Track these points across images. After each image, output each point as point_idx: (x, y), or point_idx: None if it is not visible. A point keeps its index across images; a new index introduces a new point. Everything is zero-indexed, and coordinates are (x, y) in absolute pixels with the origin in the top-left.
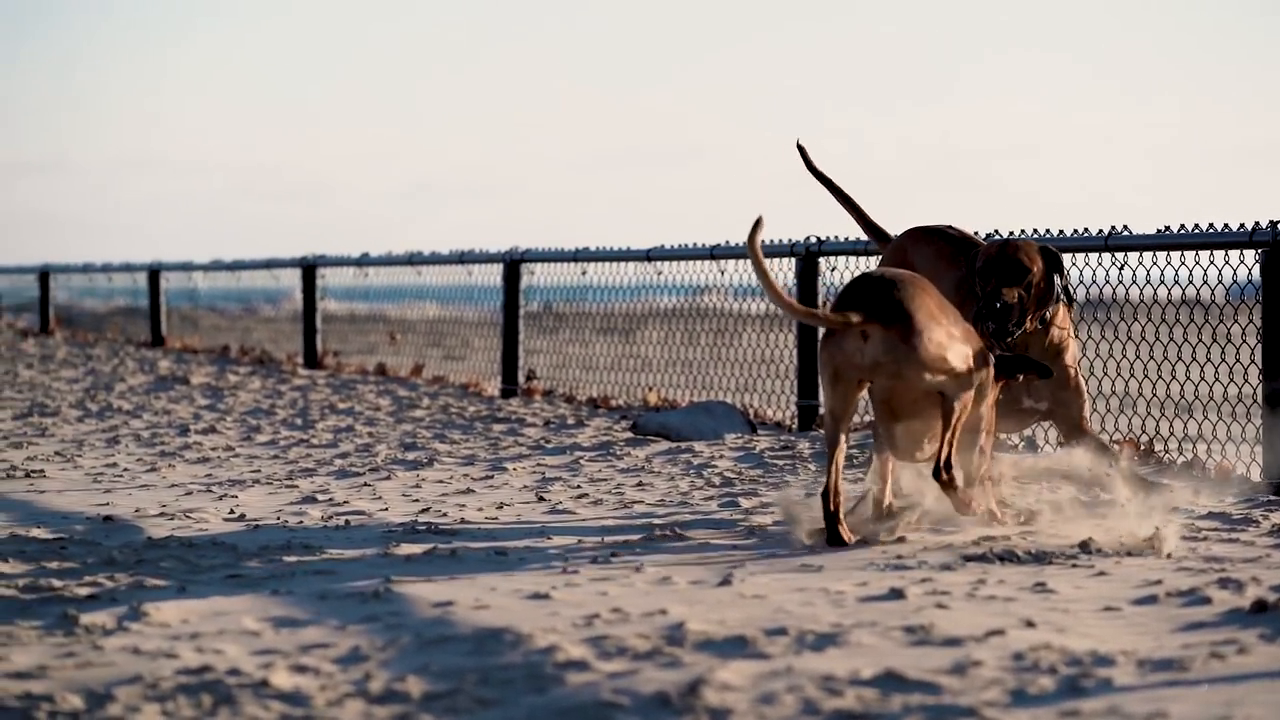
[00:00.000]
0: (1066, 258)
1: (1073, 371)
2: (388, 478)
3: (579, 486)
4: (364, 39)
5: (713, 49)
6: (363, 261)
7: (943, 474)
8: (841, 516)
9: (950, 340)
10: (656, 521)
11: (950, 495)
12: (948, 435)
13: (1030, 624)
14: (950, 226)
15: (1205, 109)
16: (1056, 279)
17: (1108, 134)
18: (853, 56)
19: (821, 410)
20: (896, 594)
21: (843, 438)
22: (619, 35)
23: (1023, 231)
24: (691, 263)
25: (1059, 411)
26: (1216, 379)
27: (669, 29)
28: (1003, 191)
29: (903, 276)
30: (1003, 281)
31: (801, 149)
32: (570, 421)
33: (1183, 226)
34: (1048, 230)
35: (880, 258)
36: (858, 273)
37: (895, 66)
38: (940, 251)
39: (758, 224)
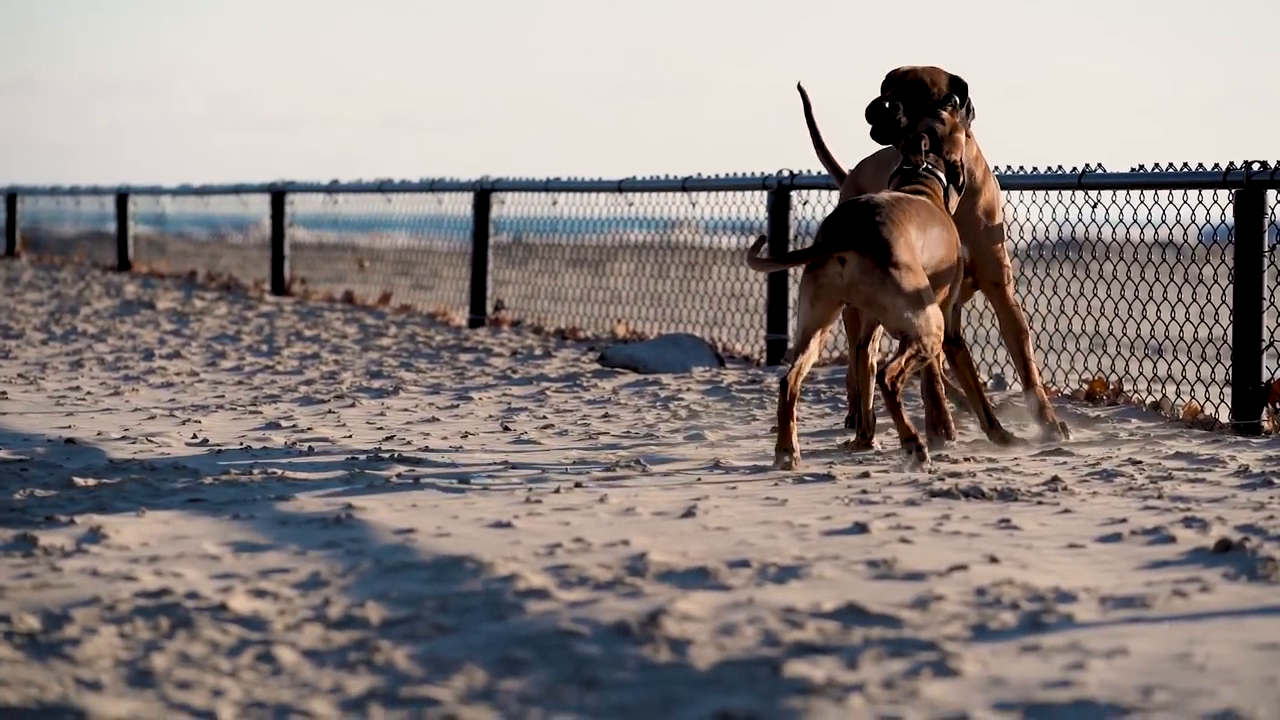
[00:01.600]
0: (1040, 195)
1: (996, 217)
2: (352, 405)
3: (545, 417)
4: None
5: None
6: (332, 189)
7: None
8: (794, 416)
9: (919, 275)
10: (622, 453)
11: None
12: (902, 362)
13: (993, 559)
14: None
15: (1191, 55)
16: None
17: (1093, 78)
18: None
19: (793, 329)
20: (860, 528)
21: (813, 345)
22: None
23: (996, 168)
24: (663, 196)
25: (977, 264)
26: (1188, 320)
27: None
28: (985, 135)
29: (886, 202)
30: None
31: (803, 91)
32: (538, 352)
33: (1156, 166)
34: (1021, 168)
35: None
36: (829, 208)
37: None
38: (880, 164)
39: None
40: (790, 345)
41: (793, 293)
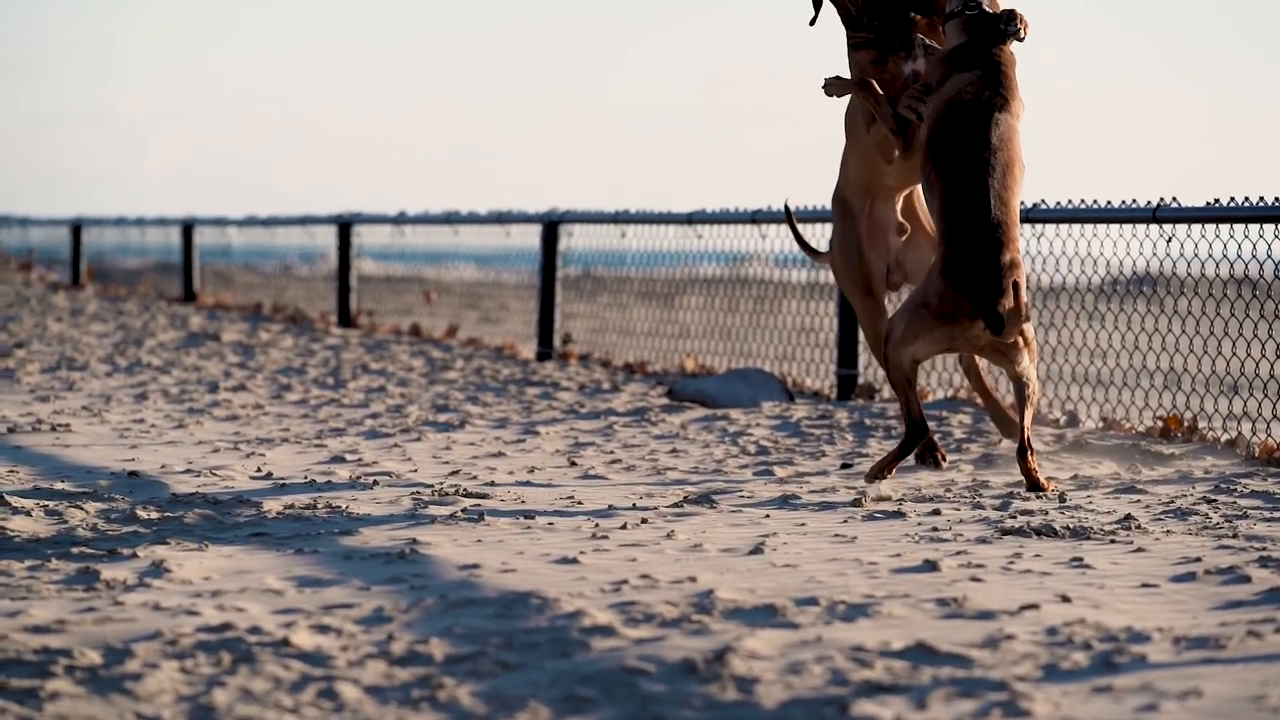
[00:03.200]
0: (1114, 229)
1: None
2: (418, 439)
3: (612, 452)
4: (405, 4)
5: (753, 7)
6: (400, 220)
7: (1029, 454)
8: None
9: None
10: (689, 488)
11: (1029, 471)
12: (1028, 416)
13: (1065, 599)
14: None
15: (1261, 83)
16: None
17: (1163, 107)
18: None
19: (893, 358)
20: (930, 566)
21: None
22: None
23: (1070, 201)
24: (733, 228)
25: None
26: (1264, 356)
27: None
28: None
29: (1019, 258)
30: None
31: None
32: (605, 386)
33: (1232, 200)
34: (1095, 200)
35: None
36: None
37: None
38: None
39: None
40: (890, 376)
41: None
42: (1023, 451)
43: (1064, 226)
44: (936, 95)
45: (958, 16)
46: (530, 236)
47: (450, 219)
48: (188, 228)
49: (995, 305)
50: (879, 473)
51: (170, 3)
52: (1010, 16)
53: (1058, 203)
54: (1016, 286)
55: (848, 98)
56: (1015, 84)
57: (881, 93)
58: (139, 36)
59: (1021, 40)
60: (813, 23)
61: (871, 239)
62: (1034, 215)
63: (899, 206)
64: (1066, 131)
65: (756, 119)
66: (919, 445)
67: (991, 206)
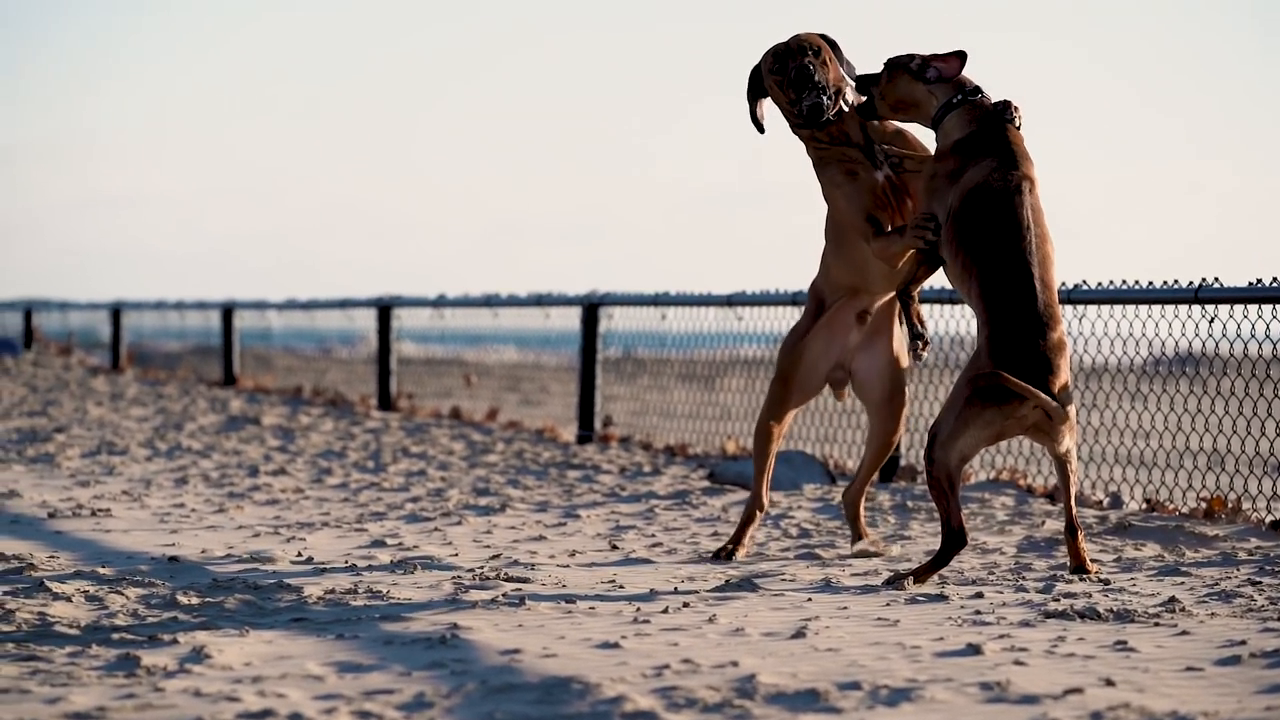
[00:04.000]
0: (1155, 310)
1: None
2: (459, 523)
3: (653, 535)
4: (445, 84)
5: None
6: (439, 303)
7: (1078, 534)
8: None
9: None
10: (731, 572)
11: (1076, 551)
12: (1072, 496)
13: (1110, 683)
14: None
15: None
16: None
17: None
18: None
19: (940, 458)
20: (973, 649)
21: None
22: (696, 78)
23: (1111, 282)
24: (774, 309)
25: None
26: None
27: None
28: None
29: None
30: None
31: None
32: (646, 469)
33: (1275, 279)
34: (1136, 281)
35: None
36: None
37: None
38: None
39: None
40: (934, 477)
41: None
42: (1072, 531)
43: (1105, 307)
44: (957, 185)
45: (958, 108)
46: (570, 318)
47: (490, 301)
48: (227, 311)
49: (1048, 384)
50: (917, 579)
51: (207, 86)
52: (1006, 105)
53: (1099, 283)
54: (1062, 368)
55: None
56: (1032, 164)
57: (886, 224)
58: (177, 120)
59: (1018, 129)
60: (760, 130)
61: (830, 335)
62: (1075, 296)
63: (878, 308)
64: (1103, 211)
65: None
66: (957, 554)
67: (1036, 288)
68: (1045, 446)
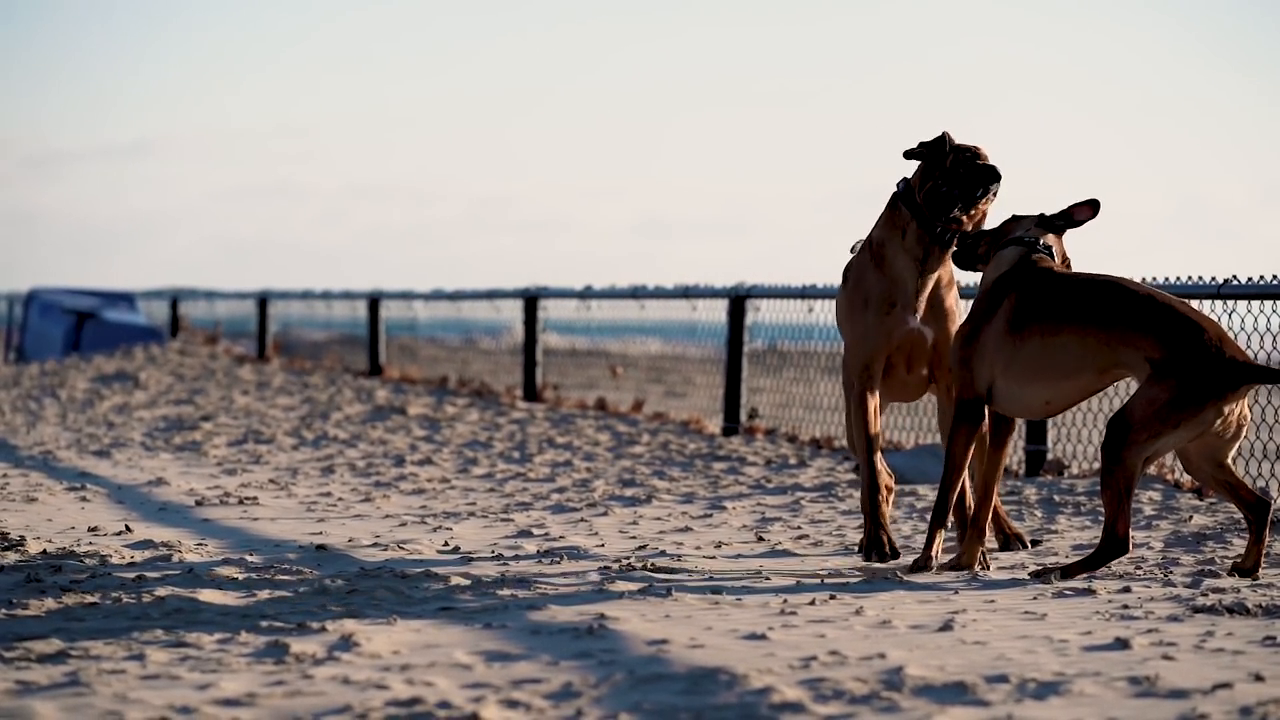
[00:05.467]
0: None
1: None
2: (605, 514)
3: (799, 527)
4: (597, 75)
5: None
6: (585, 294)
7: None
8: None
9: None
10: (877, 564)
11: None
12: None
13: (1259, 678)
14: None
15: None
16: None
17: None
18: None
19: (1129, 460)
20: (1122, 644)
21: None
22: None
23: (1261, 278)
24: None
25: (942, 355)
26: None
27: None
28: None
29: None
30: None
31: None
32: (792, 461)
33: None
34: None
35: None
36: None
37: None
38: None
39: None
40: (1115, 480)
41: None
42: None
43: (1255, 302)
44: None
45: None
46: (717, 311)
47: (636, 293)
48: (374, 301)
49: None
50: (1065, 575)
51: (357, 80)
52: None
53: (1249, 279)
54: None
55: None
56: None
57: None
58: (326, 113)
59: None
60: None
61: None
62: (1226, 291)
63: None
64: (1258, 205)
65: None
66: (1115, 559)
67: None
68: (1220, 448)
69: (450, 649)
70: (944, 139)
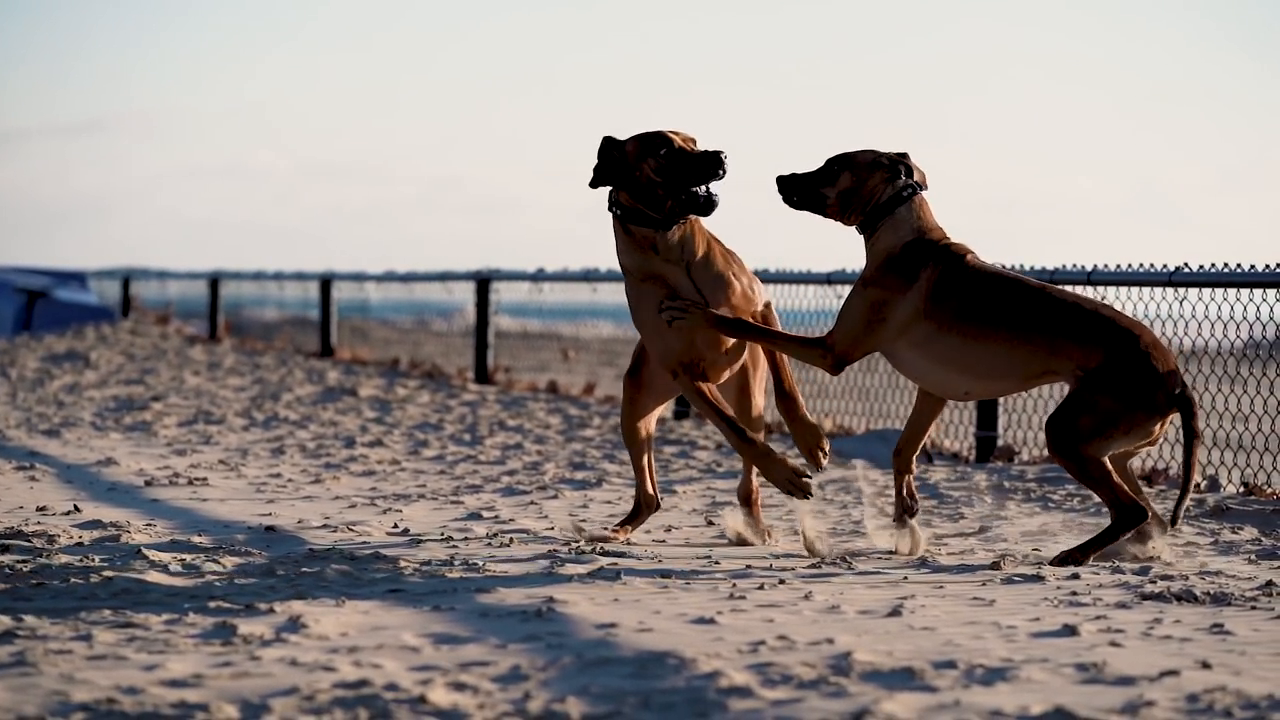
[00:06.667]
0: (1256, 293)
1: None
2: (555, 497)
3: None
4: (550, 58)
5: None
6: (538, 277)
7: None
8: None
9: None
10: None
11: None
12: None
13: (1206, 665)
14: None
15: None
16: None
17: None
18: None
19: (1094, 455)
20: (1069, 630)
21: None
22: (795, 57)
23: (1212, 265)
24: None
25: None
26: None
27: (860, 55)
28: (1201, 227)
29: None
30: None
31: None
32: None
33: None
34: (1237, 265)
35: None
36: None
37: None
38: None
39: None
40: (1090, 470)
41: None
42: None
43: (1205, 290)
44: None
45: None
46: None
47: (589, 276)
48: (326, 282)
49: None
50: (1081, 556)
51: (307, 60)
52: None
53: (1200, 267)
54: None
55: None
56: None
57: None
58: (276, 92)
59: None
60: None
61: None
62: (1177, 279)
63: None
64: (1212, 193)
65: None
66: (1141, 524)
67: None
68: (1125, 456)
69: (398, 631)
70: (655, 137)
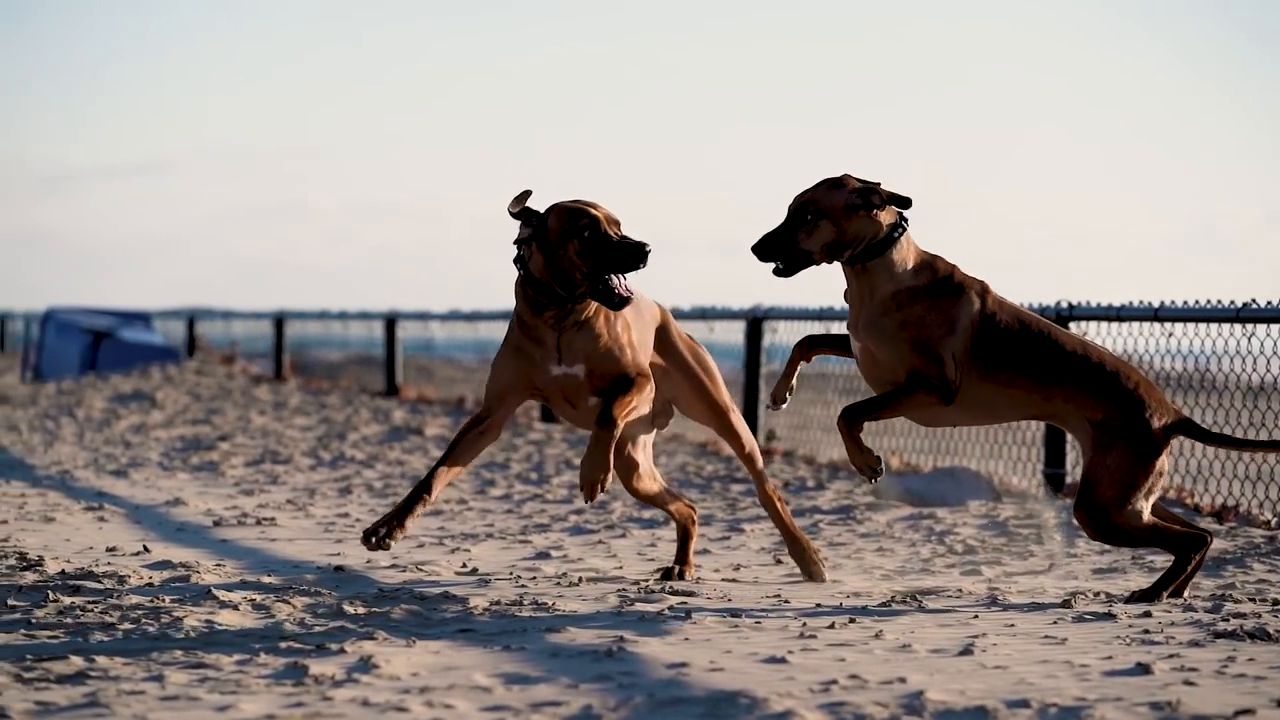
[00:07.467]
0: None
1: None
2: (623, 535)
3: (817, 550)
4: (610, 94)
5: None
6: None
7: None
8: None
9: None
10: (897, 588)
11: None
12: None
13: None
14: None
15: None
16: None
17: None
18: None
19: (1129, 522)
20: (1143, 669)
21: None
22: (862, 93)
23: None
24: None
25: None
26: None
27: (910, 89)
28: (1259, 263)
29: None
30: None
31: None
32: (810, 484)
33: None
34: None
35: None
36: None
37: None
38: None
39: None
40: (1133, 538)
41: None
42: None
43: (1275, 326)
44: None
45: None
46: (734, 333)
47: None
48: (390, 321)
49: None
50: (1177, 591)
51: (369, 98)
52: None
53: (1268, 302)
54: None
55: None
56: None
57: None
58: (335, 131)
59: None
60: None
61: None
62: (1245, 315)
63: None
64: (1264, 230)
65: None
66: (1206, 550)
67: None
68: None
69: (469, 671)
70: (579, 215)
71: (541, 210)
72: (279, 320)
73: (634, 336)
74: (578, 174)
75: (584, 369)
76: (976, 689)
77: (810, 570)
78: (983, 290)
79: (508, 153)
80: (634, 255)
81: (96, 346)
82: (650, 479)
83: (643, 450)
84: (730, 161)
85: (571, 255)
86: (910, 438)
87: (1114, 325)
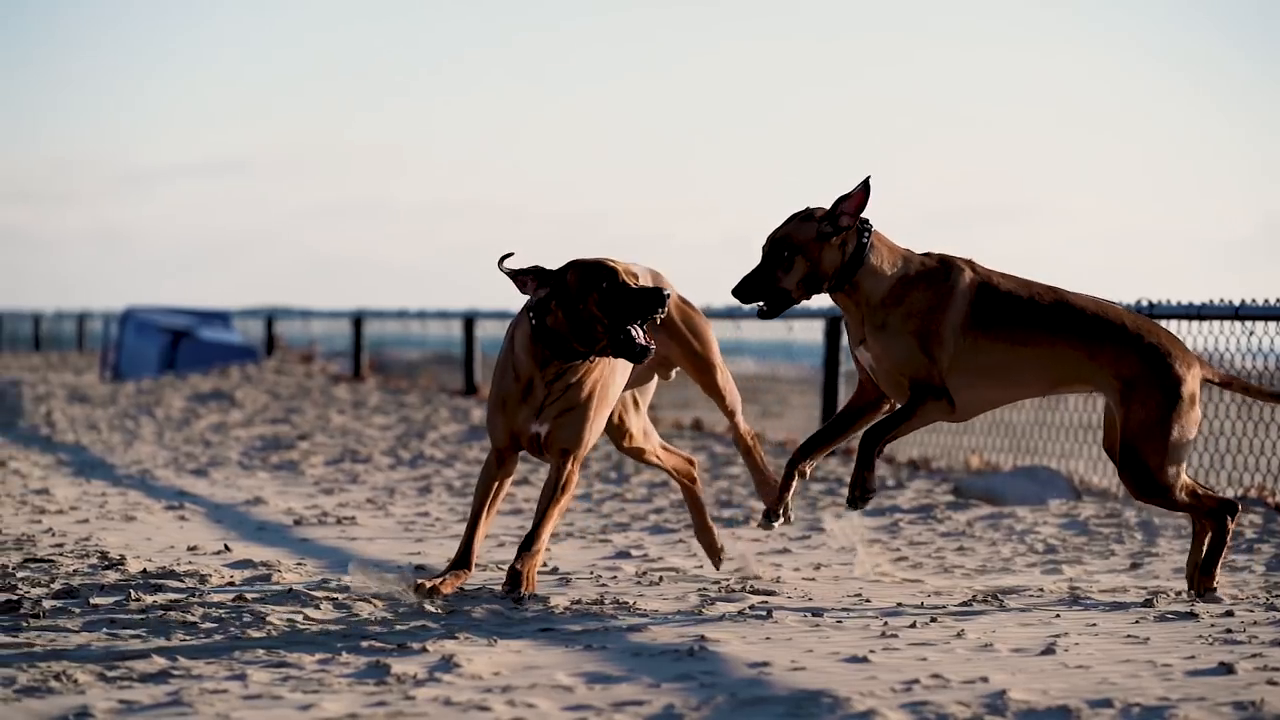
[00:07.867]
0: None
1: None
2: None
3: (898, 549)
4: (685, 93)
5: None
6: None
7: None
8: None
9: None
10: (978, 587)
11: None
12: None
13: None
14: None
15: None
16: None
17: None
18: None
19: (1175, 483)
20: (1226, 669)
21: None
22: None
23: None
24: None
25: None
26: None
27: (981, 94)
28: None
29: None
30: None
31: None
32: (890, 483)
33: None
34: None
35: None
36: None
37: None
38: None
39: None
40: (1175, 500)
41: None
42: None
43: None
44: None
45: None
46: (813, 331)
47: (732, 313)
48: (469, 320)
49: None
50: (1211, 575)
51: (447, 96)
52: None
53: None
54: None
55: None
56: None
57: None
58: (415, 129)
59: None
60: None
61: None
62: None
63: None
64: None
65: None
66: (1234, 516)
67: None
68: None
69: (551, 670)
70: (599, 269)
71: (555, 268)
72: (357, 319)
73: (610, 393)
74: (654, 173)
75: (548, 428)
76: (1059, 688)
77: (769, 501)
78: (969, 263)
79: (584, 152)
80: (653, 301)
81: (175, 346)
82: (642, 437)
83: (634, 412)
84: (804, 158)
85: (592, 308)
86: (991, 436)
87: (1195, 324)
